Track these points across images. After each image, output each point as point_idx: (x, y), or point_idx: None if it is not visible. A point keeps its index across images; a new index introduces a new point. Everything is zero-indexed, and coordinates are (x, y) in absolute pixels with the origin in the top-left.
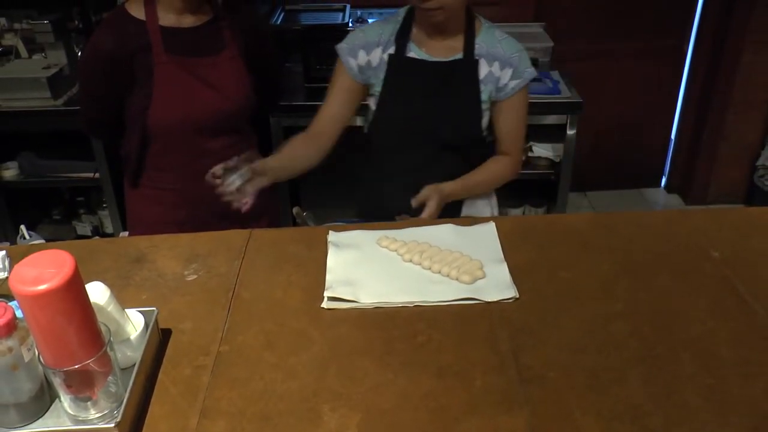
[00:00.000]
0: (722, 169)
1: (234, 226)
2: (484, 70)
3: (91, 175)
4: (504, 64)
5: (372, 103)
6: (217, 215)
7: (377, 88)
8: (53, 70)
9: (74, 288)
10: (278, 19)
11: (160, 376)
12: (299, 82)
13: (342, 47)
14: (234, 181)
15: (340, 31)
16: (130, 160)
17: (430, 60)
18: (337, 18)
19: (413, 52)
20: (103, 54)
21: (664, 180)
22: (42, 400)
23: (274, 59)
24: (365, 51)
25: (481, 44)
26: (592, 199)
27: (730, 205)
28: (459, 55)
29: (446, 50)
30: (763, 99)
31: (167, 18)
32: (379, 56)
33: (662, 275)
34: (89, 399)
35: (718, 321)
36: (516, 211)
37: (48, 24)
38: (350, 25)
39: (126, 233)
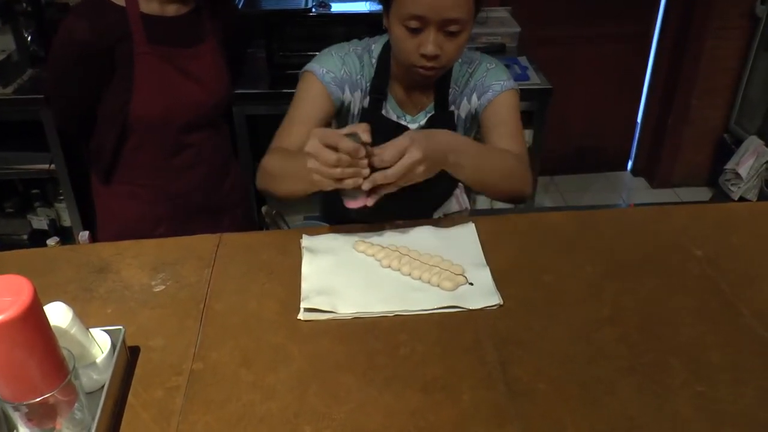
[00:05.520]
0: (687, 153)
1: (211, 221)
2: (455, 116)
3: (46, 166)
4: (469, 93)
5: None
6: (195, 210)
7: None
8: (1, 57)
9: (33, 316)
10: (240, 3)
11: (129, 399)
12: (262, 68)
13: (321, 72)
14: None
15: (303, 16)
16: (104, 155)
17: (408, 125)
18: (300, 2)
19: (391, 109)
20: (80, 44)
21: (630, 164)
22: None
23: (244, 48)
24: (350, 89)
25: (454, 87)
26: (560, 184)
27: (694, 188)
28: (430, 108)
29: (420, 104)
30: (725, 84)
31: (149, 6)
32: (359, 103)
33: (647, 277)
34: (53, 430)
35: (705, 325)
36: (484, 198)
37: None
38: (313, 10)
39: (86, 233)
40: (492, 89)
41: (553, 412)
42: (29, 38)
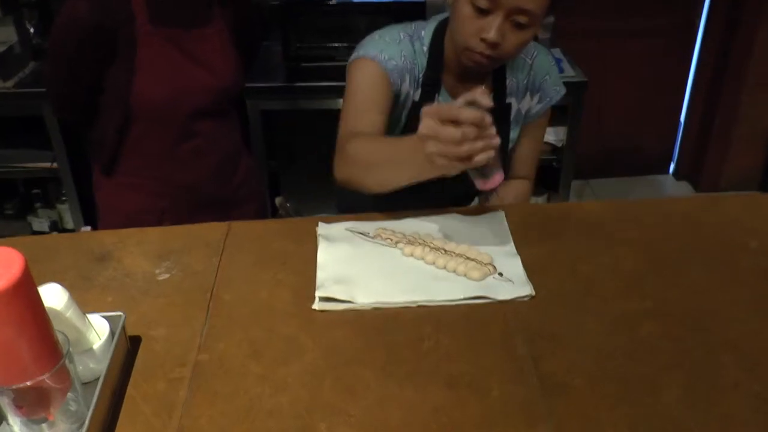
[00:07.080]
0: (735, 155)
1: (219, 215)
2: (513, 109)
3: (48, 164)
4: (533, 91)
5: None
6: (202, 203)
7: (394, 131)
8: (2, 49)
9: (24, 291)
10: None
11: (129, 391)
12: (278, 61)
13: (383, 58)
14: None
15: (322, 6)
16: (106, 144)
17: None
18: None
19: (443, 101)
20: (81, 25)
21: (672, 166)
22: None
23: (259, 36)
24: (408, 80)
25: (511, 79)
26: (595, 187)
27: (744, 192)
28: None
29: None
30: None
31: None
32: (412, 94)
33: (694, 269)
34: (45, 420)
35: (760, 320)
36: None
37: None
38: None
39: (88, 228)
40: (552, 99)
41: (589, 410)
42: (32, 30)
